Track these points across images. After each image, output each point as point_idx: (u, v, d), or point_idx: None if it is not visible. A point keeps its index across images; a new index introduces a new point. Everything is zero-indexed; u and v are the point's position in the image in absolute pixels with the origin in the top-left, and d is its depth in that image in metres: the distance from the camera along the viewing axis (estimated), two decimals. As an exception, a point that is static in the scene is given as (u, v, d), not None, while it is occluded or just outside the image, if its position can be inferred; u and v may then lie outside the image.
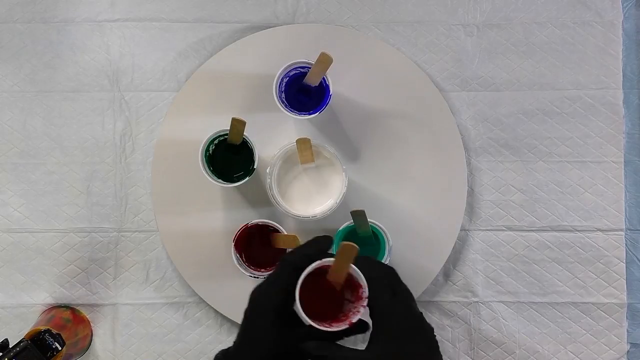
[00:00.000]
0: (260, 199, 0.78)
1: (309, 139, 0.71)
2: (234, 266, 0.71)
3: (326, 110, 0.72)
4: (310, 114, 0.72)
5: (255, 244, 0.74)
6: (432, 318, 0.80)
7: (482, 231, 0.80)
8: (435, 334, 0.54)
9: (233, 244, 0.71)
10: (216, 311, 0.79)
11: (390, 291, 0.54)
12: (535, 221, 0.80)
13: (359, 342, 0.79)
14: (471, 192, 0.81)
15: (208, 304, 0.79)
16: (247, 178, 0.72)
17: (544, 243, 0.80)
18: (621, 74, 0.81)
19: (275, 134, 0.79)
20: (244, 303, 0.78)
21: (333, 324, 0.53)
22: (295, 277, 0.52)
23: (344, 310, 0.56)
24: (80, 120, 0.81)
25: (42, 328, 0.70)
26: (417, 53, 0.82)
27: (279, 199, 0.73)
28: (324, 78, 0.72)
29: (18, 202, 0.81)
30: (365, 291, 0.53)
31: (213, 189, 0.78)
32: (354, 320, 0.53)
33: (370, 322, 0.55)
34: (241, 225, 0.71)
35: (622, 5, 0.82)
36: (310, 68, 0.71)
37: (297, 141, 0.71)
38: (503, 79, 0.82)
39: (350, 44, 0.80)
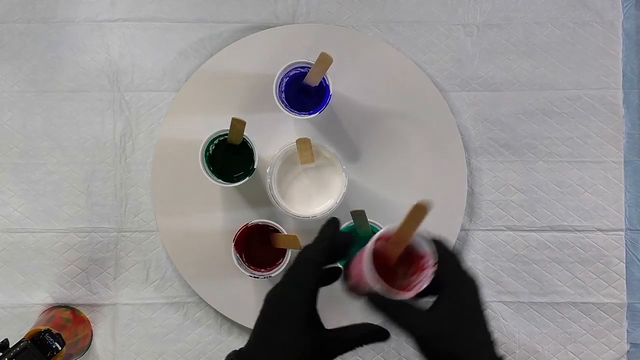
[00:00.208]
0: (260, 199, 0.78)
1: (309, 139, 0.71)
2: (234, 266, 0.71)
3: (326, 110, 0.72)
4: (310, 114, 0.72)
5: (255, 244, 0.74)
6: (432, 318, 0.80)
7: (482, 231, 0.80)
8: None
9: (233, 244, 0.71)
10: (216, 311, 0.79)
11: (453, 260, 0.53)
12: (535, 221, 0.80)
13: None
14: (471, 192, 0.81)
15: (208, 304, 0.79)
16: (247, 178, 0.72)
17: (544, 243, 0.80)
18: (621, 74, 0.81)
19: (275, 134, 0.79)
20: (244, 303, 0.79)
21: (400, 292, 0.51)
22: (317, 275, 0.51)
23: (399, 283, 0.54)
24: (80, 120, 0.81)
25: (42, 328, 0.70)
26: (417, 53, 0.82)
27: (279, 199, 0.73)
28: (324, 78, 0.72)
29: (18, 202, 0.81)
30: (430, 259, 0.51)
31: (213, 189, 0.78)
32: (420, 289, 0.50)
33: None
34: (241, 225, 0.71)
35: (622, 5, 0.82)
36: (310, 68, 0.71)
37: (297, 141, 0.71)
38: (503, 79, 0.82)
39: (350, 44, 0.80)
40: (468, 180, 0.80)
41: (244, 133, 0.71)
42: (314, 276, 0.52)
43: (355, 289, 0.57)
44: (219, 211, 0.79)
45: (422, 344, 0.52)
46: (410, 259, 0.53)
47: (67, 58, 0.82)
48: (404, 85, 0.80)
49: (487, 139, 0.81)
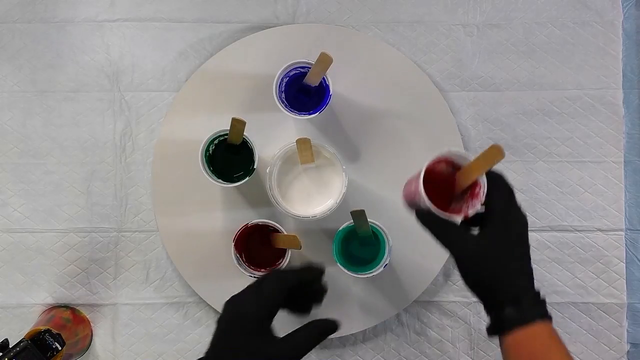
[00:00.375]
0: (260, 199, 0.78)
1: (309, 139, 0.71)
2: (234, 266, 0.71)
3: (326, 110, 0.72)
4: (310, 114, 0.72)
5: (255, 244, 0.74)
6: (432, 318, 0.80)
7: (482, 231, 0.80)
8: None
9: (233, 244, 0.71)
10: (216, 311, 0.79)
11: (506, 190, 0.56)
12: (535, 221, 0.80)
13: (359, 342, 0.79)
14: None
15: (208, 304, 0.79)
16: (247, 178, 0.72)
17: (544, 243, 0.80)
18: (621, 74, 0.81)
19: (275, 134, 0.79)
20: (244, 303, 0.78)
21: (451, 215, 0.56)
22: (281, 291, 0.52)
23: (452, 206, 0.58)
24: (80, 120, 0.81)
25: (42, 328, 0.70)
26: (417, 53, 0.82)
27: (279, 199, 0.73)
28: (324, 78, 0.72)
29: (18, 202, 0.81)
30: (484, 188, 0.55)
31: (213, 189, 0.78)
32: (471, 213, 0.55)
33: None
34: (241, 225, 0.71)
35: (622, 5, 0.82)
36: (310, 68, 0.71)
37: (297, 141, 0.71)
38: (503, 79, 0.82)
39: (350, 44, 0.80)
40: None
41: (244, 133, 0.71)
42: (279, 292, 0.53)
43: (411, 203, 0.60)
44: (219, 211, 0.79)
45: (460, 264, 0.55)
46: (473, 192, 0.57)
47: (67, 58, 0.82)
48: (404, 85, 0.80)
49: (487, 139, 0.81)
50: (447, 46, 0.82)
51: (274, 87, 0.72)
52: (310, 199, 0.75)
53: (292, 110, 0.73)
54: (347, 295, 0.78)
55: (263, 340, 0.52)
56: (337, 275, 0.78)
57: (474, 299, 0.79)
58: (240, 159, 0.73)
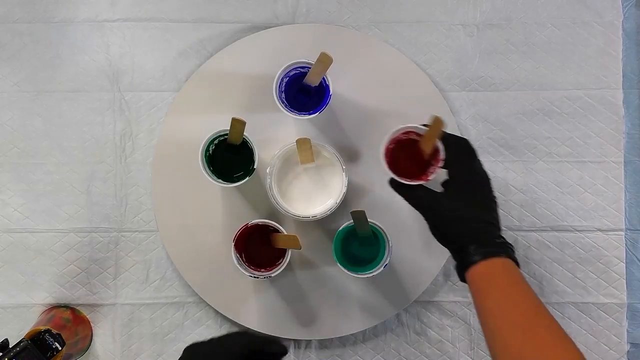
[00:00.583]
0: (260, 199, 0.78)
1: (309, 139, 0.71)
2: (234, 266, 0.71)
3: (326, 110, 0.72)
4: (310, 114, 0.72)
5: (255, 244, 0.74)
6: (432, 318, 0.80)
7: (482, 231, 0.80)
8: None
9: (233, 244, 0.71)
10: (216, 311, 0.79)
11: (464, 153, 0.64)
12: (535, 221, 0.80)
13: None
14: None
15: (208, 304, 0.79)
16: (247, 178, 0.72)
17: (544, 243, 0.80)
18: (621, 74, 0.81)
19: (275, 134, 0.79)
20: (244, 303, 0.79)
21: (414, 180, 0.64)
22: (241, 356, 0.55)
23: (426, 172, 0.66)
24: (80, 120, 0.81)
25: (42, 328, 0.70)
26: (417, 53, 0.82)
27: (279, 199, 0.73)
28: (324, 78, 0.72)
29: (18, 202, 0.81)
30: (441, 153, 0.63)
31: (213, 189, 0.78)
32: (431, 177, 0.64)
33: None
34: (241, 225, 0.71)
35: (622, 5, 0.82)
36: (310, 68, 0.71)
37: (297, 141, 0.71)
38: (503, 79, 0.82)
39: (350, 44, 0.80)
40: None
41: (244, 133, 0.71)
42: (239, 353, 0.55)
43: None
44: (219, 211, 0.79)
45: (428, 219, 0.63)
46: (435, 151, 0.65)
47: (67, 58, 0.82)
48: (404, 85, 0.80)
49: (487, 139, 0.81)
50: (447, 46, 0.82)
51: (274, 87, 0.72)
52: (310, 199, 0.75)
53: (292, 110, 0.73)
54: (347, 295, 0.78)
55: None
56: (337, 275, 0.78)
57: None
58: (240, 159, 0.73)
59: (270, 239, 0.71)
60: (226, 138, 0.72)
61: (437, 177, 0.64)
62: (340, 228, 0.72)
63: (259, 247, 0.74)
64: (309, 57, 0.71)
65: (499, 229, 0.62)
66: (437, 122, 0.62)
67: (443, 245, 0.63)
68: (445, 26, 0.82)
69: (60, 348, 0.69)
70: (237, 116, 0.69)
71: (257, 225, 0.72)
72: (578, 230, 0.80)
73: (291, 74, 0.74)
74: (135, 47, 0.82)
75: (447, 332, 0.80)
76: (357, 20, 0.82)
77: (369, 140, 0.79)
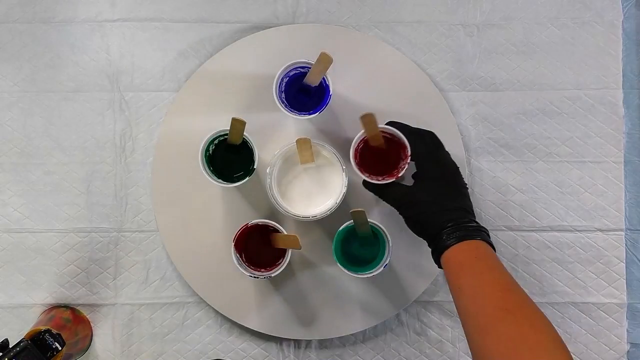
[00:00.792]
0: (260, 199, 0.78)
1: (309, 139, 0.71)
2: (234, 266, 0.71)
3: (326, 110, 0.72)
4: (310, 114, 0.72)
5: (255, 244, 0.74)
6: (432, 318, 0.80)
7: (482, 231, 0.80)
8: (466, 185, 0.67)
9: (233, 244, 0.71)
10: (216, 311, 0.79)
11: (430, 145, 0.68)
12: (535, 221, 0.80)
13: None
14: (471, 192, 0.80)
15: (208, 304, 0.79)
16: (247, 178, 0.72)
17: (544, 243, 0.80)
18: (621, 74, 0.81)
19: (275, 134, 0.79)
20: (244, 303, 0.79)
21: (385, 179, 0.68)
22: None
23: (396, 168, 0.69)
24: (80, 120, 0.81)
25: (42, 328, 0.70)
26: (417, 53, 0.82)
27: (279, 199, 0.73)
28: (324, 78, 0.72)
29: (18, 202, 0.81)
30: (408, 149, 0.66)
31: (213, 189, 0.78)
32: (401, 174, 0.67)
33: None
34: (241, 225, 0.71)
35: (622, 5, 0.82)
36: (310, 68, 0.71)
37: (297, 141, 0.71)
38: (503, 79, 0.82)
39: (350, 44, 0.80)
40: (468, 181, 0.80)
41: (244, 133, 0.71)
42: None
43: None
44: (219, 211, 0.79)
45: (402, 213, 0.66)
46: (401, 148, 0.68)
47: (67, 58, 0.82)
48: (404, 85, 0.80)
49: (487, 139, 0.81)
50: (447, 46, 0.82)
51: (274, 87, 0.72)
52: (310, 199, 0.75)
53: (292, 110, 0.73)
54: (347, 295, 0.78)
55: None
56: (337, 275, 0.78)
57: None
58: (240, 159, 0.73)
59: (270, 239, 0.71)
60: (226, 138, 0.72)
61: (407, 171, 0.68)
62: (340, 228, 0.72)
63: (259, 247, 0.74)
64: (309, 57, 0.71)
65: (472, 214, 0.65)
66: (366, 119, 0.65)
67: (419, 236, 0.65)
68: (445, 26, 0.82)
69: (60, 348, 0.69)
70: (237, 116, 0.68)
71: (257, 225, 0.72)
72: (578, 230, 0.80)
73: (291, 74, 0.74)
74: (135, 47, 0.82)
75: (447, 332, 0.80)
76: (357, 20, 0.82)
77: (369, 140, 0.79)
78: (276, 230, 0.71)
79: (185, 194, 0.79)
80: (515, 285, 0.57)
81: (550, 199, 0.81)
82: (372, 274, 0.71)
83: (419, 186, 0.66)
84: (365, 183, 0.70)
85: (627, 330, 0.80)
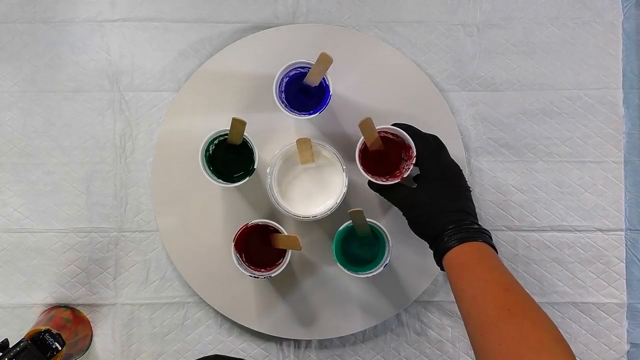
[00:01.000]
0: (260, 199, 0.78)
1: (309, 139, 0.71)
2: (234, 266, 0.71)
3: (326, 110, 0.72)
4: (310, 114, 0.72)
5: (255, 244, 0.74)
6: (432, 318, 0.80)
7: (482, 231, 0.80)
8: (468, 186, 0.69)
9: (233, 244, 0.71)
10: (216, 311, 0.79)
11: (434, 147, 0.69)
12: (535, 221, 0.80)
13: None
14: (471, 193, 0.80)
15: (208, 304, 0.79)
16: (247, 178, 0.72)
17: (544, 243, 0.80)
18: (621, 74, 0.81)
19: (275, 134, 0.79)
20: (244, 303, 0.79)
21: (389, 179, 0.69)
22: None
23: (400, 170, 0.70)
24: (80, 120, 0.81)
25: (42, 328, 0.70)
26: (417, 53, 0.82)
27: (279, 199, 0.73)
28: (324, 78, 0.72)
29: (18, 202, 0.81)
30: (413, 150, 0.67)
31: (213, 189, 0.78)
32: (405, 175, 0.68)
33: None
34: (241, 225, 0.71)
35: (622, 5, 0.82)
36: (310, 68, 0.71)
37: (297, 141, 0.71)
38: (503, 79, 0.82)
39: (350, 44, 0.80)
40: (468, 180, 0.80)
41: (244, 133, 0.71)
42: None
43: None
44: (219, 211, 0.79)
45: (405, 214, 0.67)
46: (406, 149, 0.69)
47: (67, 58, 0.82)
48: (404, 85, 0.80)
49: (487, 139, 0.81)
50: (447, 46, 0.82)
51: (274, 87, 0.72)
52: (311, 199, 0.75)
53: (292, 110, 0.73)
54: (347, 295, 0.78)
55: None
56: (337, 275, 0.78)
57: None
58: (240, 159, 0.73)
59: (270, 239, 0.71)
60: (226, 138, 0.72)
61: (410, 173, 0.68)
62: (340, 228, 0.72)
63: (259, 247, 0.74)
64: (309, 57, 0.71)
65: (474, 216, 0.65)
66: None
67: (421, 237, 0.66)
68: (445, 26, 0.82)
69: (60, 348, 0.69)
70: (237, 116, 0.68)
71: (257, 225, 0.72)
72: (578, 230, 0.80)
73: (291, 74, 0.74)
74: (135, 47, 0.82)
75: (447, 332, 0.80)
76: (357, 20, 0.82)
77: (369, 140, 0.79)
78: (276, 231, 0.71)
79: (185, 194, 0.79)
80: (517, 285, 0.57)
81: (550, 199, 0.81)
82: (372, 274, 0.71)
83: (423, 188, 0.67)
84: (370, 183, 0.70)
85: (627, 330, 0.80)
